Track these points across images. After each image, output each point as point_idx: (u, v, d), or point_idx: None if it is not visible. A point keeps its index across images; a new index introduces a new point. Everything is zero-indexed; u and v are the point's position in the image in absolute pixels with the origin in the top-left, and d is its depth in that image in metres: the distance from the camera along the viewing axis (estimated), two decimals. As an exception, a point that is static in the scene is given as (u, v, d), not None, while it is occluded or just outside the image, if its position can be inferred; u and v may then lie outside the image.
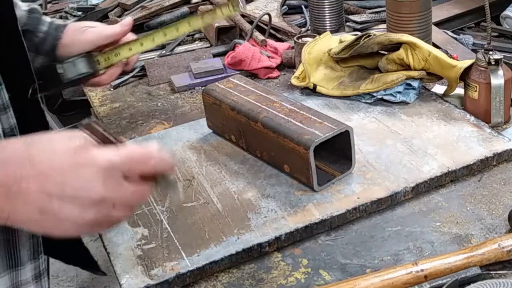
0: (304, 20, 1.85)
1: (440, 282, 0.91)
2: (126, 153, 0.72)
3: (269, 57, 1.60)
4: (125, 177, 0.72)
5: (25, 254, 0.87)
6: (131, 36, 1.29)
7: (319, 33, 1.54)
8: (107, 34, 1.25)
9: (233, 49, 1.67)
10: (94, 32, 1.25)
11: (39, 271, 0.90)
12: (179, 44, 1.81)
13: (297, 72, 1.47)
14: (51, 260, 1.04)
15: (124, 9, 2.04)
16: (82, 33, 1.25)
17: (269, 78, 1.58)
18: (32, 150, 0.70)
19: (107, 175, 0.70)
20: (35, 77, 0.94)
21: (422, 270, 0.91)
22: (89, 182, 0.69)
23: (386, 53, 1.40)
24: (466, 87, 1.31)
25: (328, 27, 1.68)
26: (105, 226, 0.73)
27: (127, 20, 1.28)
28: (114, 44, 1.26)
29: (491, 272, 0.92)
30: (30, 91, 0.93)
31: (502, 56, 1.26)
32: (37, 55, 1.23)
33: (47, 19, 1.27)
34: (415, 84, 1.36)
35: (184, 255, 1.01)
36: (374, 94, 1.37)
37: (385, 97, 1.36)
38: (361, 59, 1.43)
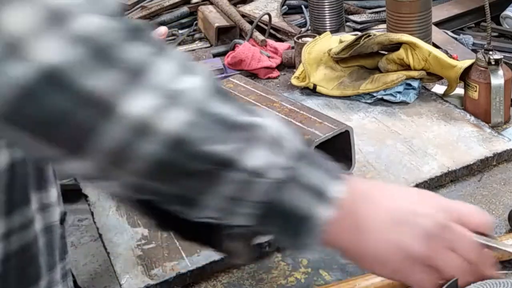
0: (304, 20, 1.85)
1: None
2: (453, 202, 0.69)
3: (269, 57, 1.60)
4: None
5: (57, 254, 0.88)
6: None
7: (319, 33, 1.54)
8: None
9: (233, 49, 1.67)
10: None
11: (65, 271, 0.91)
12: (179, 44, 1.81)
13: (297, 72, 1.47)
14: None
15: (124, 9, 2.04)
16: None
17: (269, 78, 1.58)
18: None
19: (446, 211, 0.66)
20: None
21: (422, 270, 0.91)
22: (433, 209, 0.66)
23: (386, 53, 1.40)
24: (466, 87, 1.31)
25: (328, 27, 1.68)
26: (435, 267, 0.67)
27: (162, 30, 1.32)
28: None
29: (491, 272, 0.92)
30: None
31: (502, 56, 1.26)
32: None
33: None
34: (415, 84, 1.36)
35: (184, 255, 1.01)
36: (374, 94, 1.37)
37: (385, 97, 1.36)
38: (361, 59, 1.43)
